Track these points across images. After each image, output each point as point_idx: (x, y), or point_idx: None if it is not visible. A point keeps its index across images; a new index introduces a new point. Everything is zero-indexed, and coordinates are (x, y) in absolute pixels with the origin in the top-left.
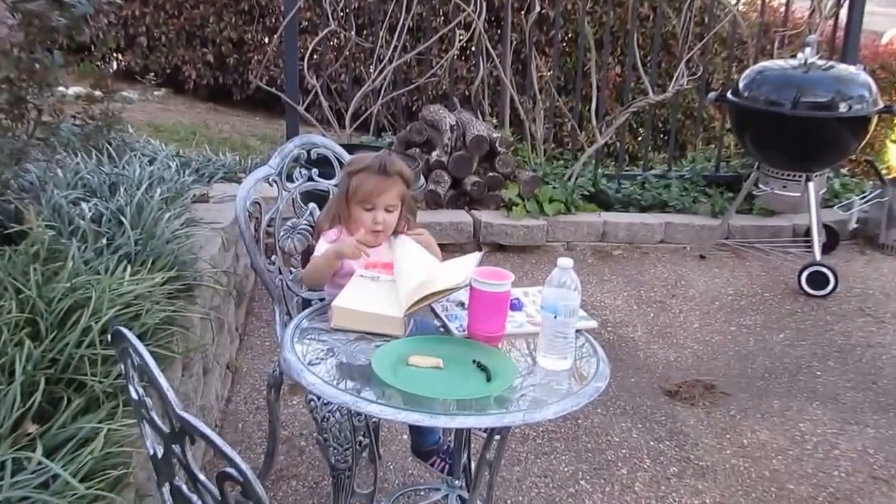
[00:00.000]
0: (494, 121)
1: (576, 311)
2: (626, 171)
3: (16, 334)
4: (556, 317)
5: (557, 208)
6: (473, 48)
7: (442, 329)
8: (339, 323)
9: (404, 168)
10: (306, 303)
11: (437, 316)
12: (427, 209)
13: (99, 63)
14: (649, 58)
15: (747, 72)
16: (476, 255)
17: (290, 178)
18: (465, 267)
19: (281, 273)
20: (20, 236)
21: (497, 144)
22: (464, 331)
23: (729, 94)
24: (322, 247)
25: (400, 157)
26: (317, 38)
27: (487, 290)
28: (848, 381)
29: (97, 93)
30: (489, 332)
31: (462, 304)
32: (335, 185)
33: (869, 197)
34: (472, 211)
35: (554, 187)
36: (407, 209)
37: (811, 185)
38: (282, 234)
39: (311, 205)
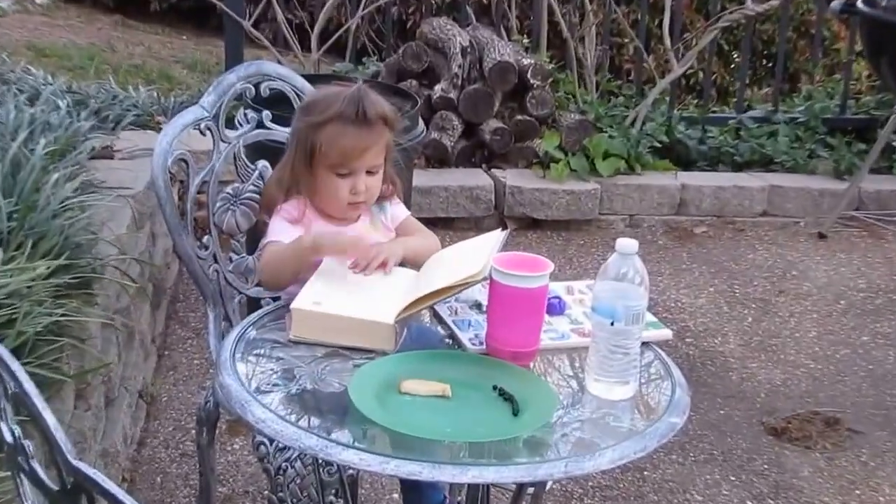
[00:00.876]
0: (525, 41)
1: (641, 316)
2: (714, 113)
3: None
4: (612, 323)
5: (615, 166)
6: None
7: (449, 341)
8: (300, 333)
9: (386, 107)
10: (254, 303)
11: (441, 322)
12: (427, 167)
13: None
14: None
15: None
16: (498, 235)
17: (230, 125)
18: (483, 252)
19: (217, 261)
20: None
21: (528, 75)
22: (481, 343)
23: (860, 2)
24: (281, 230)
25: (377, 91)
26: None
27: (515, 286)
28: None
29: None
30: (516, 346)
31: (479, 306)
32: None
33: None
34: (493, 170)
35: (611, 136)
36: (390, 163)
37: None
38: (218, 204)
39: (261, 163)
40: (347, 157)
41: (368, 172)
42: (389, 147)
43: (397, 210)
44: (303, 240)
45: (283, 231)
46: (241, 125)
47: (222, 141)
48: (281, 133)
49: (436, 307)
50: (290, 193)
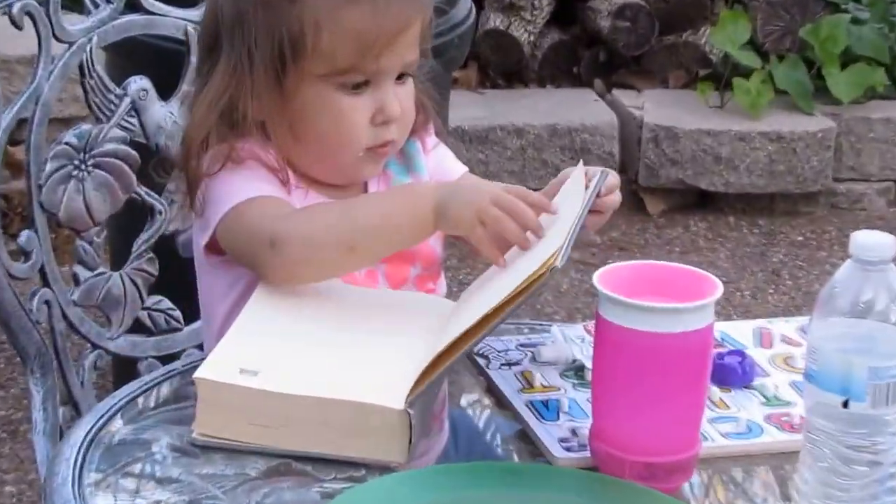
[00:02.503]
0: None
1: None
2: None
3: None
4: (846, 403)
5: (866, 83)
6: None
7: (518, 443)
8: (214, 429)
9: None
10: (124, 367)
11: (500, 402)
12: (480, 87)
13: None
14: None
15: None
16: (580, 174)
17: (74, 5)
18: (566, 211)
19: (47, 283)
20: None
21: None
22: (583, 448)
23: None
24: (257, 184)
25: None
26: None
27: (647, 331)
28: None
29: None
30: (655, 452)
31: (578, 371)
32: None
33: None
34: (616, 92)
35: (856, 21)
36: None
37: None
38: (50, 168)
39: (136, 83)
40: (370, 46)
41: (399, 78)
42: (429, 21)
43: (443, 162)
44: (420, 187)
45: (266, 181)
46: (94, 6)
47: (56, 38)
48: (177, 21)
49: (490, 372)
50: (227, 133)
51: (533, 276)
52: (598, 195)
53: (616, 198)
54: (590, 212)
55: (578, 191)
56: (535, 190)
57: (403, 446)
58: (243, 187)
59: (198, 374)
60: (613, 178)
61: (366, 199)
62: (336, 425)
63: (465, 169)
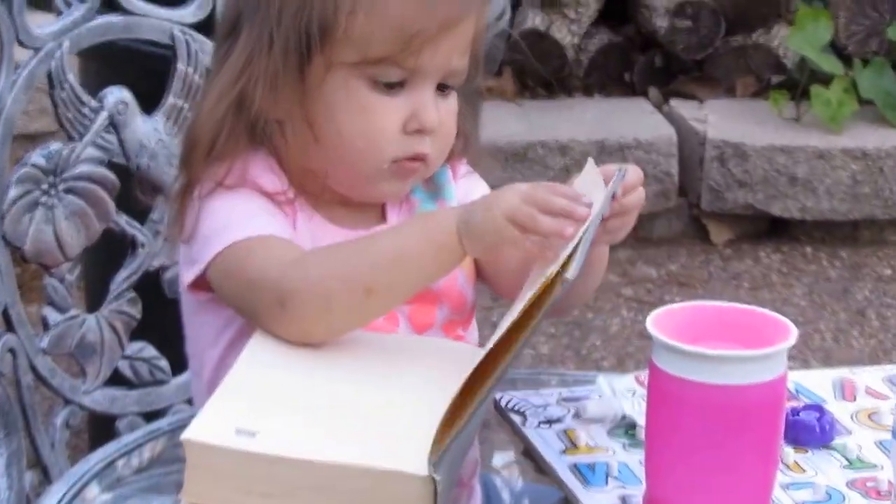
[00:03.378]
0: None
1: None
2: None
3: None
4: None
5: None
6: None
7: None
8: (204, 497)
9: None
10: (101, 425)
11: (538, 465)
12: (518, 97)
13: None
14: None
15: None
16: (591, 170)
17: (42, 4)
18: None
19: (12, 329)
20: None
21: None
22: None
23: None
24: (252, 210)
25: None
26: None
27: (708, 383)
28: None
29: None
30: None
31: (629, 429)
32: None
33: None
34: (674, 102)
35: None
36: (468, 92)
37: None
38: (13, 194)
39: (114, 94)
40: (410, 38)
41: (442, 89)
42: (480, 36)
43: (472, 190)
44: (441, 212)
45: (262, 214)
46: (66, 6)
47: (20, 43)
48: (161, 22)
49: (527, 431)
50: (251, 138)
51: (541, 289)
52: (613, 197)
53: (640, 194)
54: (612, 216)
55: (592, 190)
56: None
57: None
58: (241, 222)
59: (186, 434)
60: (634, 172)
61: (379, 234)
62: (349, 495)
63: None
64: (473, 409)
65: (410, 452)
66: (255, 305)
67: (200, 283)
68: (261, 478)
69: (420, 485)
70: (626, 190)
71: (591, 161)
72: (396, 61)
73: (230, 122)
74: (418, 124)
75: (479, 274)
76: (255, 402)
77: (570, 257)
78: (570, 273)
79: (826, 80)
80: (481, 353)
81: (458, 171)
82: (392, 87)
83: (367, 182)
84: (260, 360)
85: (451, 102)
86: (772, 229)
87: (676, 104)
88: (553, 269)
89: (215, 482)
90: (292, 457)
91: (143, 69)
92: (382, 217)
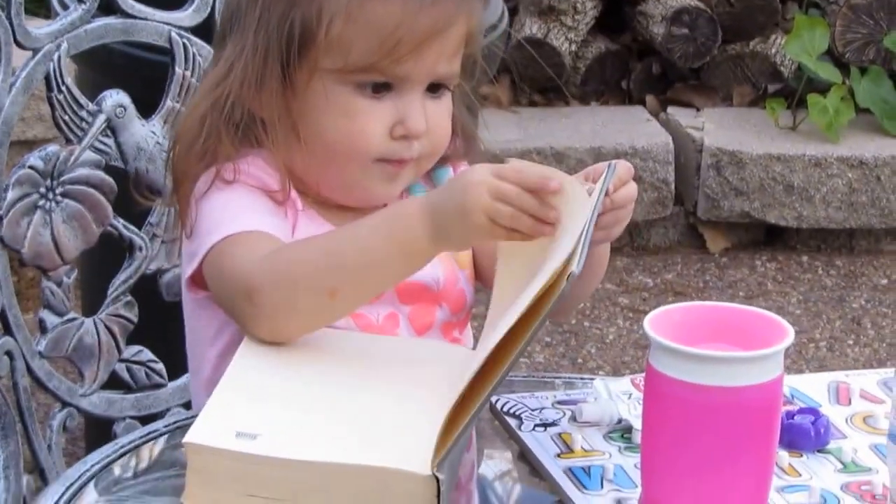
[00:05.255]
0: None
1: None
2: None
3: None
4: None
5: None
6: None
7: None
8: (206, 502)
9: None
10: (97, 429)
11: (527, 460)
12: (514, 104)
13: None
14: None
15: None
16: (579, 187)
17: (37, 8)
18: (577, 212)
19: (10, 332)
20: None
21: None
22: None
23: None
24: (249, 206)
25: None
26: None
27: (705, 384)
28: None
29: None
30: None
31: (625, 433)
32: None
33: None
34: (672, 110)
35: None
36: (463, 85)
37: None
38: (12, 196)
39: (112, 98)
40: (393, 46)
41: (433, 90)
42: (474, 39)
43: None
44: (405, 209)
45: (251, 206)
46: (63, 8)
47: (18, 45)
48: (159, 25)
49: (523, 434)
50: (247, 136)
51: (545, 287)
52: (606, 193)
53: (631, 188)
54: (605, 212)
55: (582, 192)
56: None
57: None
58: (234, 217)
59: (187, 438)
60: (623, 167)
61: (346, 230)
62: (352, 495)
63: None
64: (475, 411)
65: (412, 452)
66: (231, 300)
67: (198, 281)
68: (263, 480)
69: (424, 484)
70: (616, 185)
71: (581, 177)
72: (379, 69)
73: (212, 121)
74: (405, 130)
75: (478, 275)
76: (253, 405)
77: (573, 251)
78: (577, 267)
79: (823, 88)
80: (481, 355)
81: (460, 170)
82: (378, 92)
83: (356, 185)
84: (254, 362)
85: (444, 103)
86: (768, 238)
87: (673, 112)
88: (557, 265)
89: (217, 485)
90: (295, 458)
91: (139, 77)
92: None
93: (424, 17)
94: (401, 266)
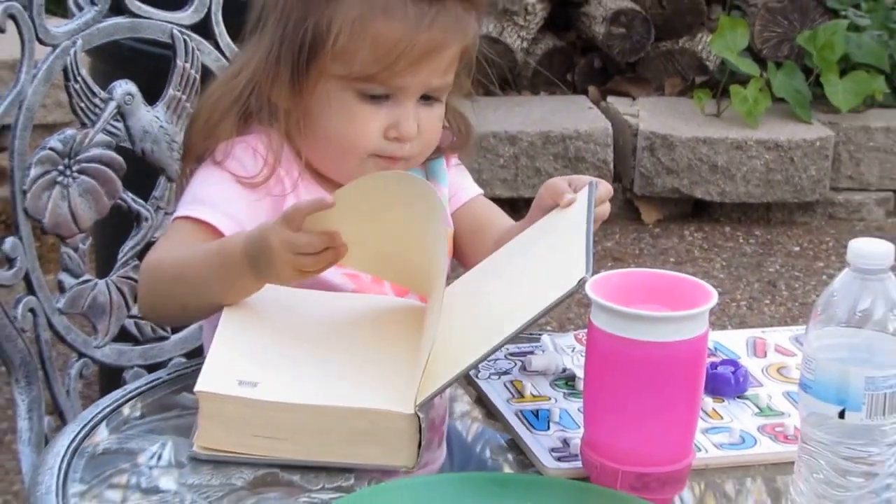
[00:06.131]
0: None
1: None
2: None
3: None
4: (843, 414)
5: (865, 92)
6: None
7: (509, 455)
8: (214, 442)
9: None
10: (109, 376)
11: (489, 413)
12: (472, 95)
13: None
14: None
15: None
16: (584, 196)
17: (56, 8)
18: (573, 231)
19: (33, 292)
20: None
21: None
22: (574, 458)
23: None
24: (215, 193)
25: None
26: None
27: (640, 339)
28: None
29: None
30: (648, 462)
31: (568, 381)
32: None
33: None
34: (611, 100)
35: (855, 27)
36: (461, 88)
37: None
38: (34, 173)
39: (122, 87)
40: (392, 61)
41: (426, 99)
42: (471, 47)
43: (461, 180)
44: (232, 252)
45: (217, 196)
46: (78, 9)
47: (40, 41)
48: (163, 24)
49: (480, 382)
50: (249, 122)
51: (565, 293)
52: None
53: (606, 207)
54: None
55: (580, 200)
56: (526, 200)
57: (412, 451)
58: (203, 199)
59: (198, 387)
60: (604, 186)
61: (197, 259)
62: (343, 433)
63: (480, 191)
64: (461, 371)
65: (395, 395)
66: None
67: None
68: (265, 423)
69: (408, 421)
70: (596, 202)
71: (588, 187)
72: (379, 80)
73: (223, 106)
74: (397, 134)
75: (455, 253)
76: (248, 358)
77: (584, 260)
78: (588, 273)
79: (743, 80)
80: (498, 340)
81: (451, 162)
82: (377, 99)
83: (352, 174)
84: (239, 322)
85: (435, 110)
86: (695, 211)
87: (612, 101)
88: (572, 282)
89: (225, 428)
90: (294, 402)
91: (145, 68)
92: None
93: (422, 37)
94: (236, 292)
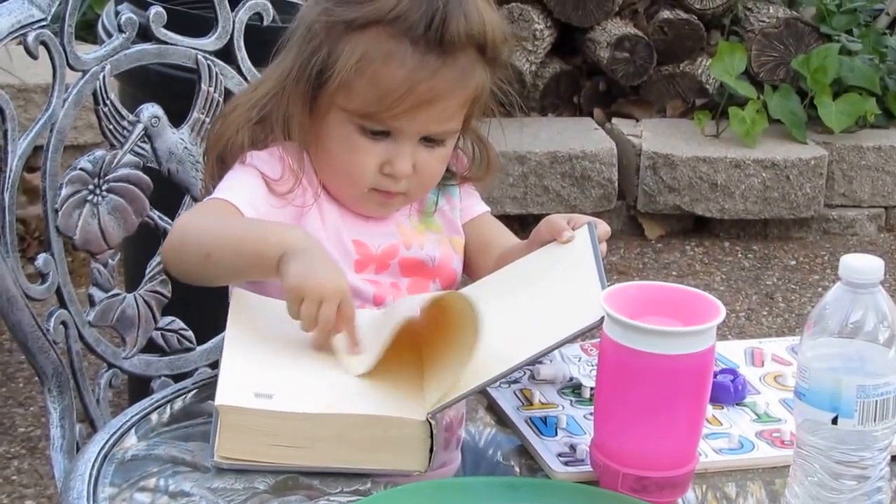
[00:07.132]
0: None
1: (893, 405)
2: None
3: None
4: (836, 420)
5: (858, 113)
6: None
7: (520, 459)
8: (235, 451)
9: (488, 20)
10: (138, 385)
11: (499, 419)
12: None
13: None
14: None
15: None
16: (585, 233)
17: (87, 35)
18: (583, 270)
19: (64, 305)
20: None
21: None
22: (582, 462)
23: None
24: (247, 188)
25: None
26: None
27: (649, 352)
28: None
29: None
30: (653, 466)
31: (576, 389)
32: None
33: None
34: (616, 122)
35: (848, 52)
36: (475, 121)
37: None
38: (66, 192)
39: (149, 110)
40: (389, 105)
41: (427, 141)
42: (481, 96)
43: (468, 197)
44: (280, 232)
45: (245, 188)
46: (107, 36)
47: (70, 67)
48: (187, 50)
49: (491, 390)
50: (270, 134)
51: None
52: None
53: (603, 247)
54: None
55: (580, 238)
56: (535, 217)
57: (424, 456)
58: (230, 187)
59: (217, 401)
60: (603, 227)
61: (244, 222)
62: (357, 440)
63: (487, 209)
64: (478, 386)
65: (406, 403)
66: None
67: None
68: (283, 432)
69: (420, 428)
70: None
71: (586, 226)
72: (378, 119)
73: (241, 122)
74: (391, 170)
75: (465, 267)
76: (260, 370)
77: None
78: (586, 326)
79: (742, 102)
80: (521, 359)
81: (464, 188)
82: (376, 134)
83: (355, 203)
84: (245, 335)
85: (436, 152)
86: (696, 227)
87: (617, 122)
88: (590, 321)
89: (244, 438)
90: (310, 412)
91: (171, 92)
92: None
93: (421, 87)
94: (253, 267)
